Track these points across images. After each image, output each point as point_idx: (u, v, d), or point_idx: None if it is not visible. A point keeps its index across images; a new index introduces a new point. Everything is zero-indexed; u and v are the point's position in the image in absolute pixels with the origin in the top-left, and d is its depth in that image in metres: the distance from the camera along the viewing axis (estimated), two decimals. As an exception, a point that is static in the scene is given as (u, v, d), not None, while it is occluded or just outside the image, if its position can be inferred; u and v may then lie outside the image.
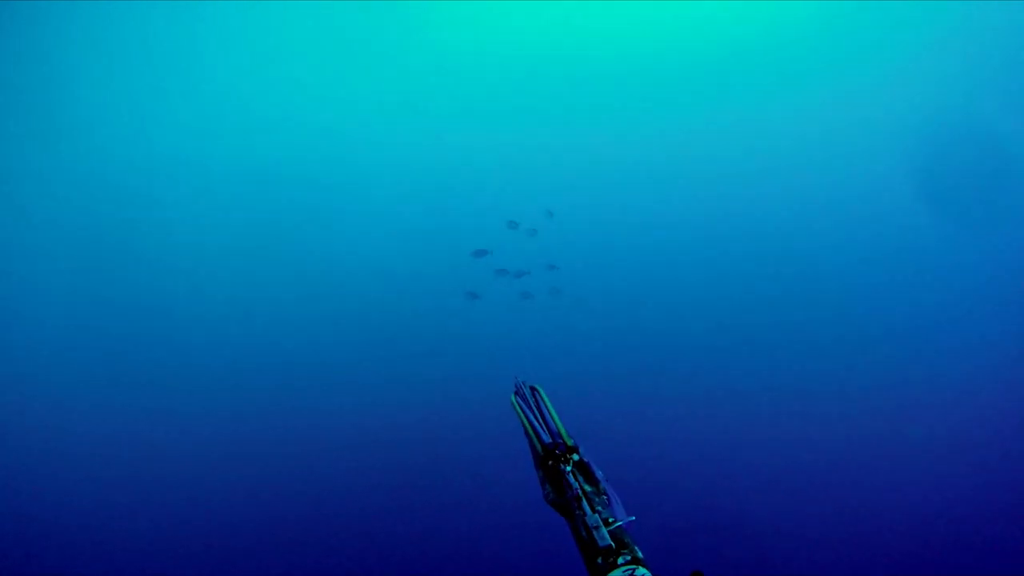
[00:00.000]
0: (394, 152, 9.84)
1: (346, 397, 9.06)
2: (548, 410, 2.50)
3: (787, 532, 8.43)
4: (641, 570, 2.04)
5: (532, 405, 2.51)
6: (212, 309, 9.43)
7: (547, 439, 2.41)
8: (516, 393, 2.54)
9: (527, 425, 2.44)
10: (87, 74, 9.37)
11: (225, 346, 9.37)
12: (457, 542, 8.29)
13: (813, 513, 8.58)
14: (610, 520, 2.21)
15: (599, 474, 2.36)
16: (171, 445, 8.77)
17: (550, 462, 2.36)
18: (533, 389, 2.56)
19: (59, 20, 9.12)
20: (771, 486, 8.64)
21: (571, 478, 2.31)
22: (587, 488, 2.30)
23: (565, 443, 2.40)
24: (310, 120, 9.81)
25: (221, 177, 9.66)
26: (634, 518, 2.24)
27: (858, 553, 8.49)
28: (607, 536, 2.14)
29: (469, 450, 8.09)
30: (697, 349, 9.45)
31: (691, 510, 8.34)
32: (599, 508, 2.24)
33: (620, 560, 2.09)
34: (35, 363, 9.06)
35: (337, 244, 9.75)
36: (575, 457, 2.37)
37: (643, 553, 2.14)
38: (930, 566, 8.33)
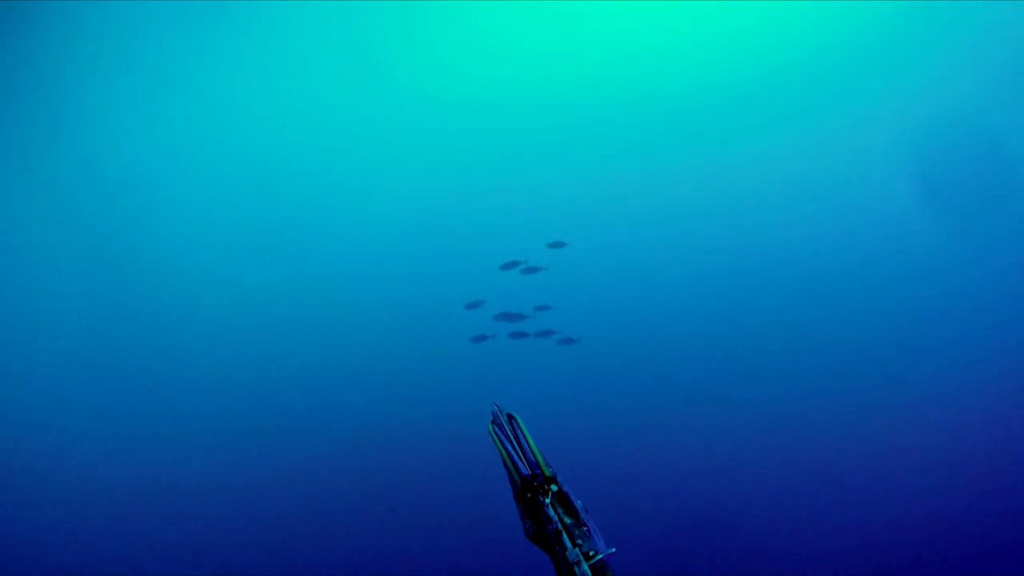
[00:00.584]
0: (389, 197, 9.75)
1: (343, 443, 9.09)
2: (525, 438, 2.47)
3: (786, 537, 8.57)
4: None
5: (509, 434, 2.47)
6: (217, 359, 9.38)
7: (525, 470, 2.38)
8: (493, 422, 2.49)
9: (505, 456, 2.41)
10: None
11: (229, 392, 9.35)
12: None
13: (813, 518, 8.71)
14: (591, 554, 2.21)
15: (578, 504, 2.35)
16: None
17: (528, 494, 2.33)
18: (510, 416, 2.52)
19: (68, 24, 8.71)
20: (772, 491, 8.77)
21: (550, 511, 2.29)
22: (567, 520, 2.29)
23: (543, 473, 2.38)
24: (305, 169, 9.70)
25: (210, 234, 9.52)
26: (614, 550, 2.24)
27: (857, 557, 8.63)
28: (588, 571, 2.15)
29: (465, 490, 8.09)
30: (698, 357, 9.48)
31: (694, 515, 8.48)
32: (579, 541, 2.24)
33: None
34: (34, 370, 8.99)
35: (335, 285, 9.73)
36: (553, 488, 2.35)
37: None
38: (929, 568, 8.50)
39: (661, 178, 9.82)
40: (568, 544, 2.22)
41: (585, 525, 2.31)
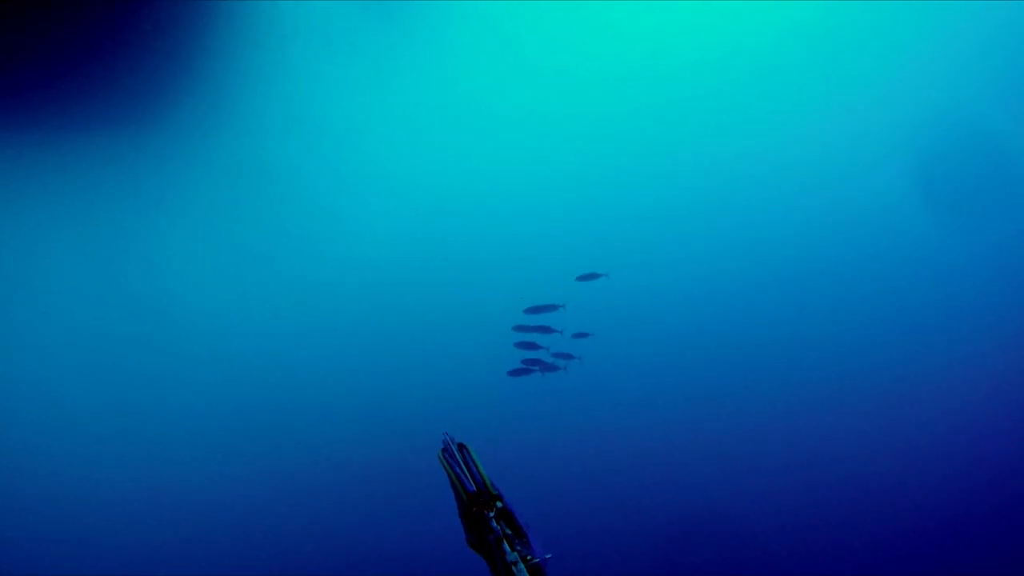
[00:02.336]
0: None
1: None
2: (475, 463, 2.73)
3: (783, 530, 8.39)
4: None
5: (459, 460, 2.74)
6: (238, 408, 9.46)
7: (472, 488, 2.63)
8: (444, 451, 2.77)
9: (453, 478, 2.66)
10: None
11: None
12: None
13: (811, 512, 8.55)
14: (528, 557, 2.41)
15: (521, 519, 2.57)
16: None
17: (474, 509, 2.57)
18: (461, 446, 2.79)
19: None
20: (768, 486, 8.63)
21: (493, 523, 2.52)
22: (507, 532, 2.50)
23: (489, 492, 2.62)
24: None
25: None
26: (551, 555, 2.44)
27: (856, 551, 8.42)
28: (525, 571, 2.34)
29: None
30: (698, 350, 9.47)
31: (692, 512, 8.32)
32: (518, 548, 2.44)
33: None
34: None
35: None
36: (498, 504, 2.59)
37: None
38: (929, 563, 8.25)
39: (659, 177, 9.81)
40: (507, 548, 2.43)
41: (525, 536, 2.52)
